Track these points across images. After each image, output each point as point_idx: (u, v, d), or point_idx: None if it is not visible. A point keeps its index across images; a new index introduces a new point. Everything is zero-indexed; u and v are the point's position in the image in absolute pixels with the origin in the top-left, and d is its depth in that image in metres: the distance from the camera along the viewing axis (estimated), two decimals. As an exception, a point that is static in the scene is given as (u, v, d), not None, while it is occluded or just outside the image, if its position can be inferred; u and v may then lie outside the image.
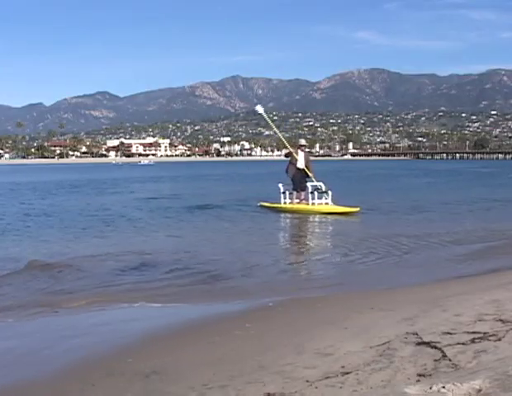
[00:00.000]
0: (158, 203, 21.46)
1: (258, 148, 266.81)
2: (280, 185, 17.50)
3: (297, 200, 17.24)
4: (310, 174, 17.13)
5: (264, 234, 12.73)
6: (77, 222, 15.16)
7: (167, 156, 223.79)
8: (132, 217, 16.41)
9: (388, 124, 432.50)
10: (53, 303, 6.55)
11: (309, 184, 17.11)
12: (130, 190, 31.14)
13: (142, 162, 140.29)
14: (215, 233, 12.84)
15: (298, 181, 17.16)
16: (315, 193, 16.87)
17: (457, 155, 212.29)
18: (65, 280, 7.85)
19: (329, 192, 16.91)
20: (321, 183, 17.15)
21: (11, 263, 9.02)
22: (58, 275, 8.10)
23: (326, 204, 16.78)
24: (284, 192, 17.35)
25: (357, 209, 16.02)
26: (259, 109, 19.53)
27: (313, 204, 16.84)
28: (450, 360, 3.70)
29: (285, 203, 17.24)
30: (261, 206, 17.86)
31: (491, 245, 10.58)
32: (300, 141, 18.43)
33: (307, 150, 18.39)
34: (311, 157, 18.76)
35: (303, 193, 17.19)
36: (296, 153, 17.30)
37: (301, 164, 17.11)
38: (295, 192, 17.28)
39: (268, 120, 20.08)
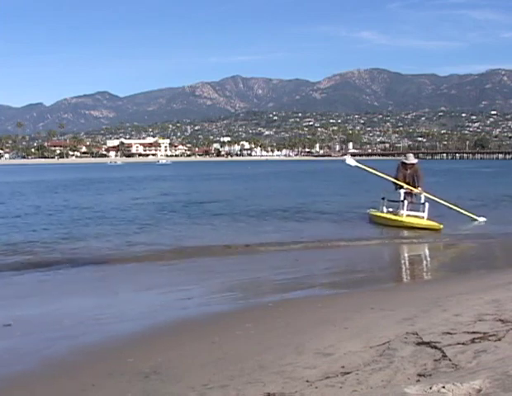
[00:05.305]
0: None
1: (258, 148, 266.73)
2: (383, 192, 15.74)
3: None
4: (415, 190, 14.92)
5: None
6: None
7: (167, 156, 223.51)
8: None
9: (388, 124, 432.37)
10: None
11: (402, 191, 14.82)
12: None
13: (160, 162, 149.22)
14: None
15: (399, 188, 15.21)
16: (405, 202, 14.63)
17: (457, 155, 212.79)
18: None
19: (427, 204, 14.43)
20: (422, 193, 14.75)
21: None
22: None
23: (422, 217, 14.37)
24: (383, 198, 15.48)
25: (441, 226, 13.68)
26: (350, 162, 16.91)
27: (402, 214, 14.56)
28: (450, 360, 3.70)
29: (382, 211, 15.36)
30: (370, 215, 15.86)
31: None
32: (408, 157, 15.65)
33: (414, 161, 15.45)
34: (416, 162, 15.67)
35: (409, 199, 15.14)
36: (404, 175, 15.09)
37: (401, 183, 15.09)
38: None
39: (366, 168, 16.80)
